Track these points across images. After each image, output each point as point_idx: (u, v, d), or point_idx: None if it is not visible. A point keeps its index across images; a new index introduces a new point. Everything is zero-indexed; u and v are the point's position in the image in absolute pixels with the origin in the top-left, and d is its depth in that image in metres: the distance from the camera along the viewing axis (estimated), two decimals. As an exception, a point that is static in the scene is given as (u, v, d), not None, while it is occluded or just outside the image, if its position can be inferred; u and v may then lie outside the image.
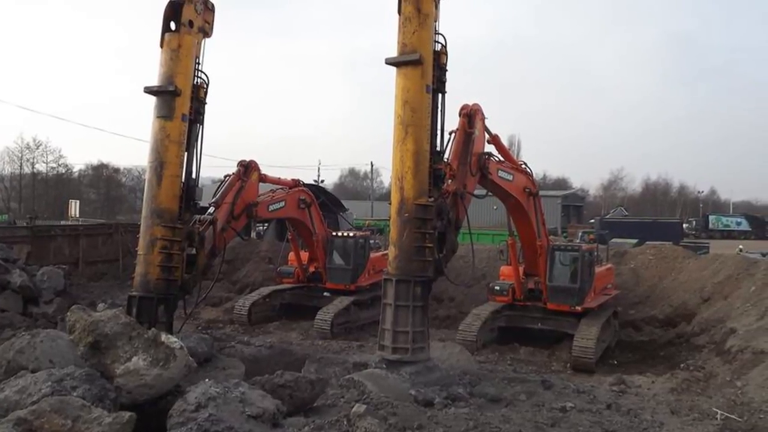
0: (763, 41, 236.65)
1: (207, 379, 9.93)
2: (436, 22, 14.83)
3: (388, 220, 15.99)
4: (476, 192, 17.09)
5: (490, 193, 18.72)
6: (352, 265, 24.58)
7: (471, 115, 16.71)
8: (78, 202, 70.49)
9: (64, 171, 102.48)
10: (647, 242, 36.03)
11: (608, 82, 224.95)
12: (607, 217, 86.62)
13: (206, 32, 16.79)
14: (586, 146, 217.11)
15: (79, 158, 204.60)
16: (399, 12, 14.64)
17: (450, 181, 15.59)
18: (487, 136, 17.66)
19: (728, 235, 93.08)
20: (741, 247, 43.42)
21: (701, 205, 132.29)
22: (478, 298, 24.42)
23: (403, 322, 14.15)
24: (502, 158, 18.53)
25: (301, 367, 15.88)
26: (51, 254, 30.68)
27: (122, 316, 10.43)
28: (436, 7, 14.80)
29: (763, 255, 36.26)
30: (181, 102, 15.94)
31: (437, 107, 14.95)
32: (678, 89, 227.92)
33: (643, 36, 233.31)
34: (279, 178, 23.67)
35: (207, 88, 16.90)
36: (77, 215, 63.72)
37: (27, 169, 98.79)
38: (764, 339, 17.14)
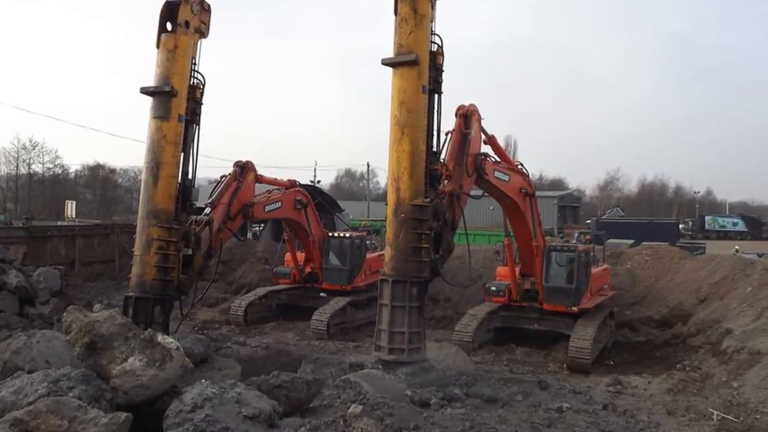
0: (759, 41, 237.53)
1: (203, 380, 9.93)
2: (432, 22, 14.87)
3: (385, 220, 16.02)
4: (472, 192, 17.10)
5: (486, 194, 18.74)
6: (349, 266, 24.59)
7: (467, 116, 16.74)
8: (74, 202, 70.24)
9: (60, 172, 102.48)
10: (643, 243, 36.14)
11: (604, 83, 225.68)
12: (604, 217, 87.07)
13: (202, 33, 16.78)
14: (583, 147, 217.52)
15: (75, 159, 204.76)
16: (395, 13, 14.65)
17: (446, 181, 15.60)
18: (483, 136, 17.66)
19: (724, 235, 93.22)
20: (737, 247, 43.58)
21: (697, 206, 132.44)
22: (474, 299, 24.42)
23: (400, 322, 14.17)
24: (498, 159, 18.54)
25: (297, 367, 15.86)
26: (47, 255, 30.61)
27: (118, 317, 10.42)
28: (433, 7, 14.83)
29: (759, 256, 36.30)
30: (177, 102, 15.92)
31: (433, 108, 14.98)
32: (674, 90, 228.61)
33: (640, 36, 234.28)
34: (275, 179, 23.68)
35: (203, 89, 16.90)
36: (73, 216, 63.50)
37: (23, 170, 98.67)
38: (760, 339, 17.17)
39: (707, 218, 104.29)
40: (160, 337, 9.97)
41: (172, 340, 10.21)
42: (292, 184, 24.22)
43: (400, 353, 14.12)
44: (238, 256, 33.55)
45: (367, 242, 26.72)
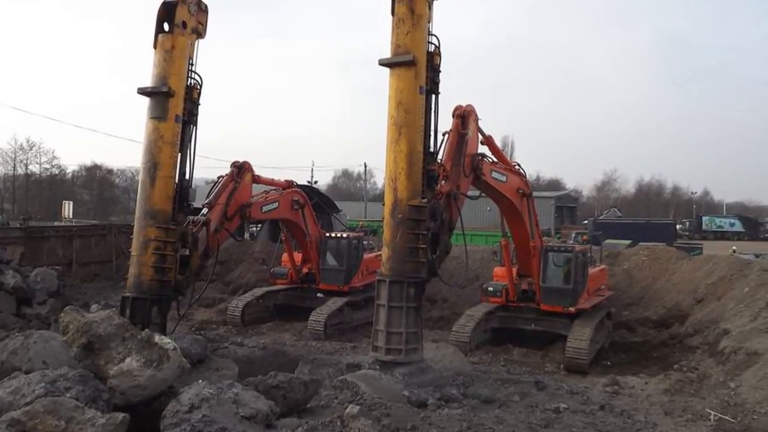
0: (756, 42, 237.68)
1: (200, 380, 9.94)
2: (429, 23, 14.86)
3: (382, 221, 16.01)
4: (469, 193, 17.10)
5: (483, 194, 18.74)
6: (346, 266, 24.60)
7: (464, 116, 16.74)
8: (71, 203, 70.00)
9: (57, 172, 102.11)
10: (640, 243, 36.16)
11: (601, 83, 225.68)
12: (601, 218, 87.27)
13: (199, 33, 16.76)
14: (580, 147, 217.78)
15: (72, 159, 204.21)
16: (392, 13, 14.65)
17: (443, 182, 15.60)
18: (480, 137, 17.67)
19: (721, 236, 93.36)
20: (734, 248, 43.61)
21: (694, 206, 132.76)
22: (471, 299, 24.45)
23: (397, 323, 14.17)
24: (495, 159, 18.54)
25: (294, 368, 15.85)
26: (44, 255, 30.59)
27: (115, 317, 10.43)
28: (430, 8, 14.83)
29: (757, 256, 36.36)
30: (174, 103, 15.91)
31: (430, 108, 14.96)
32: (671, 90, 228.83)
33: (636, 37, 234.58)
34: (272, 179, 23.67)
35: (200, 89, 16.90)
36: (71, 216, 63.37)
37: (20, 170, 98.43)
38: (757, 340, 17.18)
39: (704, 219, 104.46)
40: (157, 338, 9.97)
41: (169, 340, 10.21)
42: (289, 184, 24.21)
43: (398, 354, 14.12)
44: (235, 256, 33.53)
45: (365, 243, 26.73)
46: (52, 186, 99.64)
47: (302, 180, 75.69)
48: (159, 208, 15.70)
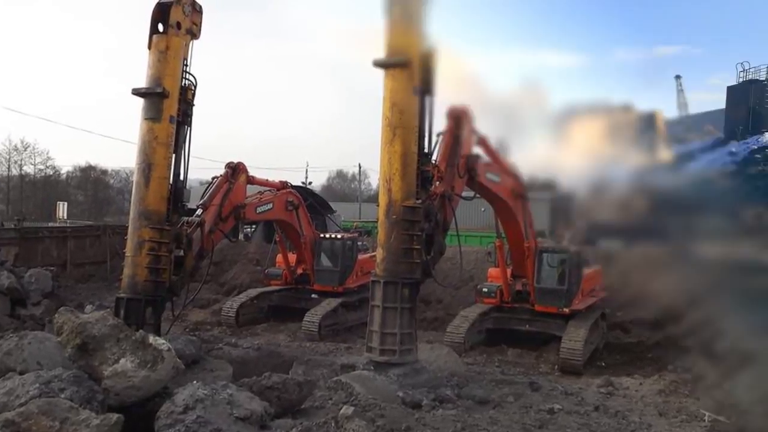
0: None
1: (195, 381, 9.93)
2: (423, 24, 14.86)
3: (376, 222, 16.03)
4: (464, 194, 17.11)
5: (477, 195, 18.74)
6: (340, 267, 24.57)
7: (459, 117, 16.73)
8: (66, 203, 69.73)
9: (51, 173, 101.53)
10: (635, 244, 36.09)
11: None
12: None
13: (194, 34, 16.73)
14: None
15: (66, 160, 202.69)
16: (387, 14, 14.66)
17: (438, 183, 15.61)
18: (475, 137, 17.67)
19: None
20: (728, 249, 43.53)
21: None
22: (465, 300, 24.45)
23: (391, 323, 14.19)
24: (489, 160, 18.53)
25: (288, 369, 15.87)
26: (39, 256, 30.51)
27: (110, 318, 10.42)
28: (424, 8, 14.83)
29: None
30: (169, 104, 15.87)
31: (425, 109, 14.99)
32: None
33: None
34: (267, 180, 23.61)
35: (195, 90, 16.86)
36: (65, 217, 63.13)
37: (15, 171, 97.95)
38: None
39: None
40: (151, 339, 9.97)
41: (163, 341, 10.21)
42: (284, 185, 24.14)
43: (392, 354, 14.15)
44: (229, 257, 33.51)
45: (359, 243, 26.71)
46: (47, 187, 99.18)
47: (297, 181, 75.20)
48: (153, 209, 15.67)
